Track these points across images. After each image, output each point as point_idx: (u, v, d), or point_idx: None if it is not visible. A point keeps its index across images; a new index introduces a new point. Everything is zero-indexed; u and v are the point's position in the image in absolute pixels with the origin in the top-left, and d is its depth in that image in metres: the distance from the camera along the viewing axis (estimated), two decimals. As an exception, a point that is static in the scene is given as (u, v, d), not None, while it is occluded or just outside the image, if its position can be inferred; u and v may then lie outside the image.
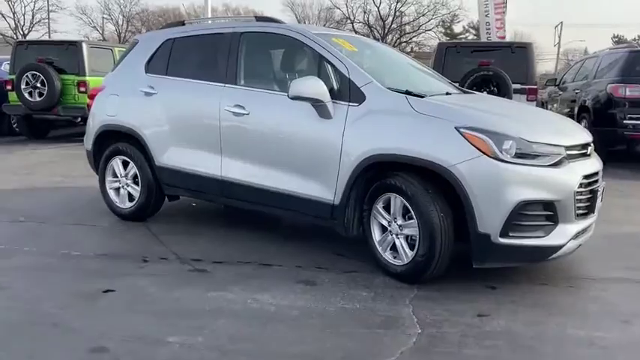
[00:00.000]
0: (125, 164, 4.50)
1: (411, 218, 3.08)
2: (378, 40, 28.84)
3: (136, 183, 4.44)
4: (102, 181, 4.63)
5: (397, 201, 3.14)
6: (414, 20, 45.22)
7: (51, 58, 9.45)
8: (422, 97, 3.29)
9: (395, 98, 3.25)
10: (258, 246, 3.85)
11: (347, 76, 3.35)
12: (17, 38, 37.20)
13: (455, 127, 2.94)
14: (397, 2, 44.80)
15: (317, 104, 3.32)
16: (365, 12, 45.05)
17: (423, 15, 44.67)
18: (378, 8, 44.52)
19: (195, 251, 3.72)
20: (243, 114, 3.72)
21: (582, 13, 69.25)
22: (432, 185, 3.02)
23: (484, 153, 2.85)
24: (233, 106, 3.77)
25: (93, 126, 4.63)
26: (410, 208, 3.05)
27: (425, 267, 3.00)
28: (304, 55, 3.84)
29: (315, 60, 3.62)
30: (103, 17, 58.06)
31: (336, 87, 3.39)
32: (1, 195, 5.48)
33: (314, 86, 3.27)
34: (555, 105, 11.04)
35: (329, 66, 3.47)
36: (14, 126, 10.40)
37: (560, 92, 10.69)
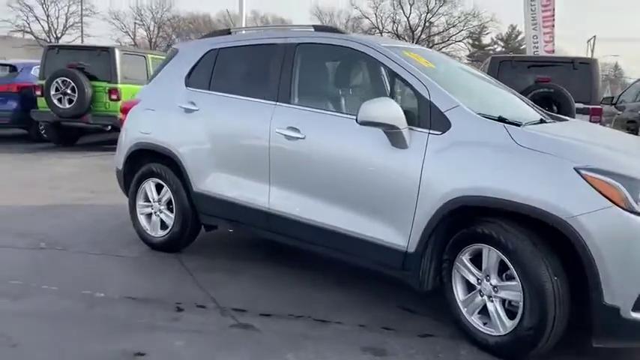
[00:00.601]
0: (159, 188, 3.99)
1: (510, 278, 2.47)
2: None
3: (170, 209, 3.93)
4: (132, 205, 4.14)
5: (492, 255, 2.54)
6: (443, 31, 44.51)
7: (82, 64, 9.10)
8: (518, 125, 2.70)
9: (489, 127, 2.66)
10: (310, 293, 3.29)
11: (427, 97, 2.78)
12: (50, 41, 37.68)
13: (574, 168, 2.33)
14: (427, 13, 44.17)
15: (390, 131, 2.75)
16: (394, 22, 44.55)
17: (454, 26, 43.97)
18: (407, 18, 44.00)
19: (238, 298, 3.17)
20: (298, 138, 3.17)
21: (616, 27, 67.43)
22: (540, 239, 2.42)
23: (615, 203, 2.24)
24: (286, 129, 3.23)
25: (125, 143, 4.15)
26: (510, 265, 2.45)
27: (531, 343, 2.39)
28: (373, 71, 3.29)
29: (386, 78, 3.08)
30: (135, 23, 58.80)
31: (413, 111, 2.82)
32: (23, 213, 5.03)
33: (388, 109, 2.70)
34: (609, 125, 10.30)
35: (404, 85, 2.91)
36: (42, 132, 10.08)
37: (618, 112, 9.95)
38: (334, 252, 3.17)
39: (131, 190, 4.13)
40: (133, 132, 4.10)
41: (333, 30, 3.43)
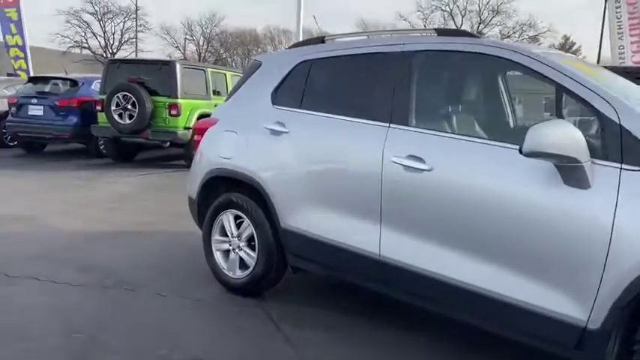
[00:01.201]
0: (239, 221, 3.45)
1: None
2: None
3: (252, 247, 3.38)
4: (207, 240, 3.61)
5: None
6: (498, 42, 42.99)
7: (142, 78, 8.82)
8: None
9: None
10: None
11: (616, 121, 2.10)
12: (107, 57, 38.69)
13: None
14: (480, 24, 43.01)
15: (566, 164, 2.08)
16: (446, 34, 43.34)
17: (508, 37, 42.53)
18: (458, 28, 42.83)
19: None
20: (423, 170, 2.54)
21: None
22: None
23: None
24: (405, 157, 2.61)
25: (200, 169, 3.63)
26: None
27: None
28: (527, 85, 2.62)
29: (552, 93, 2.39)
30: (185, 38, 60.17)
31: (594, 138, 2.14)
32: (84, 240, 4.61)
33: (567, 136, 2.02)
34: None
35: (579, 104, 2.23)
36: (101, 148, 9.86)
37: None
38: (472, 317, 2.50)
39: (206, 222, 3.61)
40: (211, 156, 3.58)
41: (463, 34, 2.79)
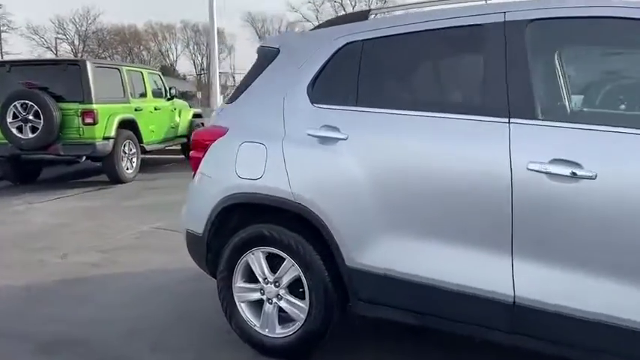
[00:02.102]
0: (272, 261, 2.58)
1: None
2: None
3: (297, 294, 2.53)
4: (225, 288, 2.69)
5: None
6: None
7: (42, 83, 7.30)
8: None
9: None
10: None
11: None
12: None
13: None
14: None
15: None
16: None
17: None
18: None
19: None
20: (582, 177, 1.88)
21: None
22: None
23: None
24: (549, 163, 1.93)
25: (208, 195, 2.68)
26: None
27: None
28: None
29: None
30: (57, 37, 55.27)
31: None
32: (24, 301, 3.42)
33: None
34: None
35: None
36: (-6, 169, 8.14)
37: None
38: None
39: (223, 265, 2.69)
40: (225, 177, 2.64)
41: None
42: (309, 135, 2.44)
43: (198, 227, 2.76)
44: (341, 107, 2.43)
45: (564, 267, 1.94)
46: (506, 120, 2.05)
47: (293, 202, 2.43)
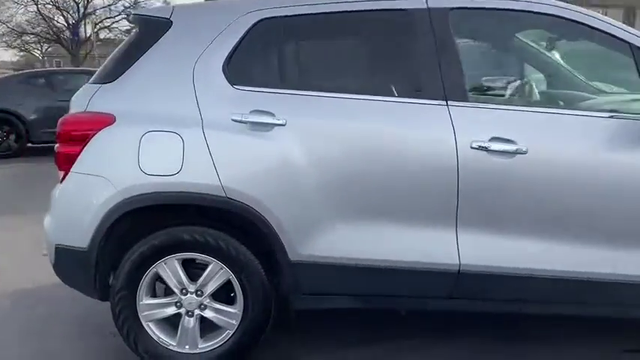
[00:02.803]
0: (188, 269, 2.23)
1: None
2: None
3: (225, 301, 2.25)
4: (128, 309, 2.22)
5: None
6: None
7: None
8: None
9: None
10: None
11: None
12: None
13: None
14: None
15: None
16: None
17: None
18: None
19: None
20: (516, 153, 2.12)
21: None
22: None
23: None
24: (488, 140, 2.13)
25: (97, 200, 2.13)
26: None
27: None
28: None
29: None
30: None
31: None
32: None
33: None
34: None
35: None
36: None
37: None
38: (584, 307, 2.28)
39: (123, 283, 2.21)
40: (122, 176, 2.14)
41: None
42: (234, 120, 2.15)
43: (80, 241, 2.19)
44: (270, 90, 2.21)
45: (502, 233, 2.18)
46: (444, 102, 2.17)
47: (224, 197, 2.13)
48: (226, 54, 2.23)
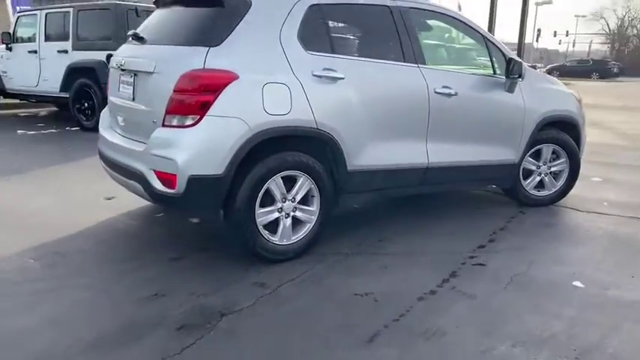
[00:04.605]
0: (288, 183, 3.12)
1: (556, 160, 4.47)
2: None
3: (307, 203, 3.23)
4: (248, 219, 2.98)
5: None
6: None
7: None
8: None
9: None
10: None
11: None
12: None
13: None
14: None
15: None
16: None
17: None
18: None
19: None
20: (451, 95, 3.69)
21: None
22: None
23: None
24: (441, 88, 3.65)
25: (232, 136, 2.82)
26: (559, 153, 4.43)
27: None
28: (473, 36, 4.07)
29: (484, 42, 4.02)
30: None
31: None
32: None
33: None
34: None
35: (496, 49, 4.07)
36: None
37: None
38: (465, 184, 4.13)
39: (244, 199, 2.95)
40: (250, 117, 2.85)
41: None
42: (314, 75, 3.10)
43: (216, 169, 2.83)
44: (329, 55, 3.20)
45: (445, 142, 3.77)
46: (416, 65, 3.59)
47: (316, 129, 3.09)
48: (297, 29, 3.11)
